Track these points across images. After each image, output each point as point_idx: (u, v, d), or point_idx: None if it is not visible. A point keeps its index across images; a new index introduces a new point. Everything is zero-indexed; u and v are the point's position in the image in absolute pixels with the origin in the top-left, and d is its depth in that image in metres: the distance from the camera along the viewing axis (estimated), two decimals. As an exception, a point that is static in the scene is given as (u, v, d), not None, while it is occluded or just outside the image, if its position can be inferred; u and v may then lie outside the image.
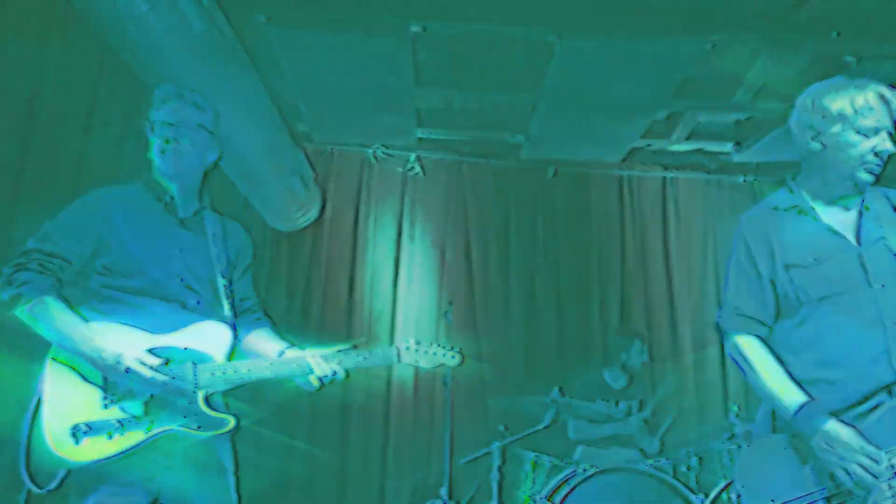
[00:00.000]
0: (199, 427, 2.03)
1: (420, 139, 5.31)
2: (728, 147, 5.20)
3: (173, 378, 2.02)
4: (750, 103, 4.56)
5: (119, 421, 1.95)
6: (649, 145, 5.22)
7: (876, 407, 1.75)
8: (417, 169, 5.48)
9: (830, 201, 1.96)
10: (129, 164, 3.30)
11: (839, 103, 1.87)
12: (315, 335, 5.10)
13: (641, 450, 4.14)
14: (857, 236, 1.89)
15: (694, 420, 4.92)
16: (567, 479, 3.49)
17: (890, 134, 1.87)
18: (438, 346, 2.39)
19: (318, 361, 2.18)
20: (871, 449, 1.69)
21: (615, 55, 3.85)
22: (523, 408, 3.94)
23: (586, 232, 5.47)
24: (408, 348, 2.33)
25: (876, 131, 1.84)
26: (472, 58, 4.40)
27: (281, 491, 4.75)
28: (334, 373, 2.19)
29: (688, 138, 5.13)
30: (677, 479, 3.42)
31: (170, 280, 2.16)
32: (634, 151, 5.34)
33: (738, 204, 5.61)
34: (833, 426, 1.74)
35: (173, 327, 2.11)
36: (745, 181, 5.64)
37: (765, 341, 1.98)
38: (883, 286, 1.82)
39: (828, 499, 1.74)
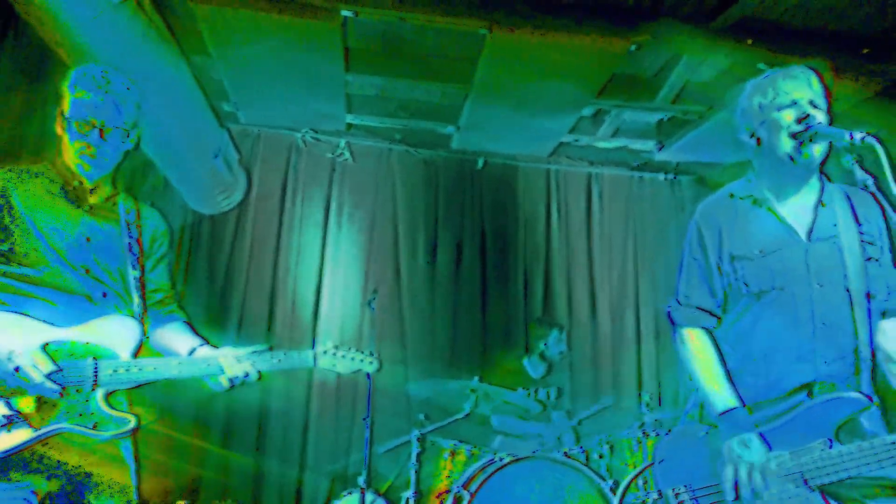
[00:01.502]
0: (94, 426, 1.93)
1: (350, 125, 5.24)
2: (651, 145, 5.37)
3: (68, 378, 1.91)
4: (671, 104, 4.71)
5: (6, 417, 1.84)
6: (577, 140, 5.33)
7: (795, 406, 1.81)
8: (347, 155, 5.41)
9: (787, 193, 1.96)
10: (34, 140, 3.12)
11: (756, 97, 1.96)
12: (236, 321, 4.99)
13: (558, 438, 4.26)
14: (809, 232, 1.91)
15: (609, 410, 5.09)
16: (484, 468, 3.54)
17: (811, 103, 1.87)
18: (357, 350, 2.36)
19: (229, 362, 2.10)
20: (760, 482, 1.73)
21: (544, 51, 3.90)
22: (444, 397, 3.96)
23: (513, 223, 5.54)
24: (325, 352, 2.28)
25: (794, 102, 1.87)
26: (404, 46, 4.37)
27: (191, 490, 4.66)
28: (246, 374, 2.12)
29: (613, 135, 5.27)
30: (589, 467, 3.52)
31: (74, 270, 2.03)
32: (562, 146, 5.45)
33: (659, 201, 5.83)
34: (750, 438, 1.79)
35: (76, 320, 1.99)
36: (665, 179, 5.85)
37: (711, 334, 2.03)
38: (821, 286, 1.85)
39: (736, 490, 1.82)
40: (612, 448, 3.66)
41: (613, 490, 3.40)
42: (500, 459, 3.52)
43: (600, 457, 3.68)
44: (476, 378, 3.76)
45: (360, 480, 3.94)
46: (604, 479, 3.44)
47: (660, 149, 5.36)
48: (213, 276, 5.08)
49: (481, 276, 5.41)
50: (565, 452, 3.57)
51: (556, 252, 5.55)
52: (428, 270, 5.35)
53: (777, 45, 3.94)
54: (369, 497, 3.76)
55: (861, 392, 1.76)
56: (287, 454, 4.89)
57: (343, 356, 2.32)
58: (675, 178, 5.85)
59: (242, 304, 5.03)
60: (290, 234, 5.24)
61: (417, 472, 3.70)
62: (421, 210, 5.45)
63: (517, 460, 3.49)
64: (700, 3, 3.72)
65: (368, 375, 3.95)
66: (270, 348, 2.19)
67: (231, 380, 2.10)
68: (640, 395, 3.90)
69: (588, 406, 4.52)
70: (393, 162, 5.50)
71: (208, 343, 2.24)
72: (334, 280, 5.21)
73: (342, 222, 5.34)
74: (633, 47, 3.90)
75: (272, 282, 5.13)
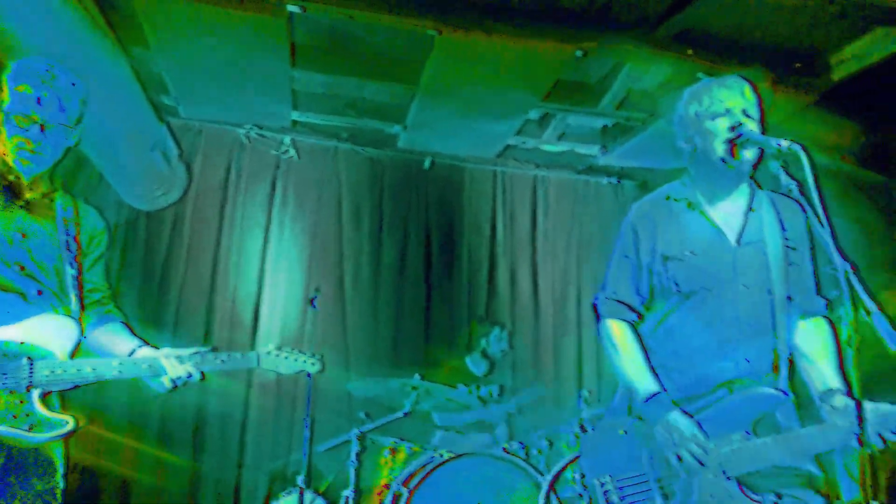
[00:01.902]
0: (30, 428, 1.87)
1: (295, 122, 5.18)
2: (595, 150, 5.48)
3: (3, 376, 1.85)
4: (615, 110, 4.83)
5: None
6: (523, 143, 5.40)
7: (717, 401, 1.88)
8: (292, 152, 5.34)
9: (719, 198, 2.03)
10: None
11: (693, 105, 2.04)
12: (172, 320, 4.86)
13: (496, 435, 4.31)
14: (739, 236, 1.98)
15: (550, 405, 5.18)
16: (424, 465, 3.55)
17: (744, 112, 1.95)
18: (299, 352, 2.38)
19: (171, 363, 2.07)
20: (703, 439, 1.83)
21: (491, 54, 3.94)
22: (385, 394, 3.95)
23: (459, 224, 5.58)
24: (268, 353, 2.29)
25: (727, 111, 1.94)
26: (352, 44, 4.34)
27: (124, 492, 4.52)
28: (189, 375, 2.09)
29: (559, 139, 5.36)
30: (528, 462, 3.58)
31: (7, 268, 1.96)
32: (509, 148, 5.51)
33: (603, 204, 5.95)
34: (675, 416, 1.87)
35: (10, 319, 1.92)
36: (609, 183, 5.98)
37: (634, 328, 2.09)
38: (746, 288, 1.93)
39: (658, 480, 1.89)
40: (550, 443, 3.72)
41: (553, 486, 3.46)
42: (440, 456, 3.53)
43: (539, 452, 3.74)
44: (417, 376, 3.77)
45: (300, 480, 3.90)
46: (542, 474, 3.49)
47: (604, 153, 5.47)
48: (148, 275, 4.94)
49: (425, 276, 5.42)
50: (504, 448, 3.61)
51: (500, 253, 5.61)
52: (372, 269, 5.32)
53: (717, 56, 4.09)
54: (308, 496, 3.72)
55: (778, 388, 1.85)
56: (225, 454, 4.80)
57: (286, 357, 2.34)
58: (618, 182, 5.98)
59: (179, 303, 4.90)
60: (231, 232, 5.13)
61: (357, 471, 3.68)
62: (366, 209, 5.42)
63: (456, 457, 3.51)
64: (644, 13, 3.82)
65: (309, 374, 3.92)
66: (213, 349, 2.17)
67: (174, 381, 2.07)
68: (579, 391, 3.97)
69: (527, 399, 4.60)
70: (339, 160, 5.45)
71: (148, 344, 2.20)
72: (276, 279, 5.13)
73: (285, 221, 5.26)
74: (578, 53, 3.97)
75: (211, 281, 5.01)
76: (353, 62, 4.38)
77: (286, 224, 5.28)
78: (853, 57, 4.05)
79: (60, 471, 1.97)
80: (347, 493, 3.68)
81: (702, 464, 1.81)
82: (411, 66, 4.33)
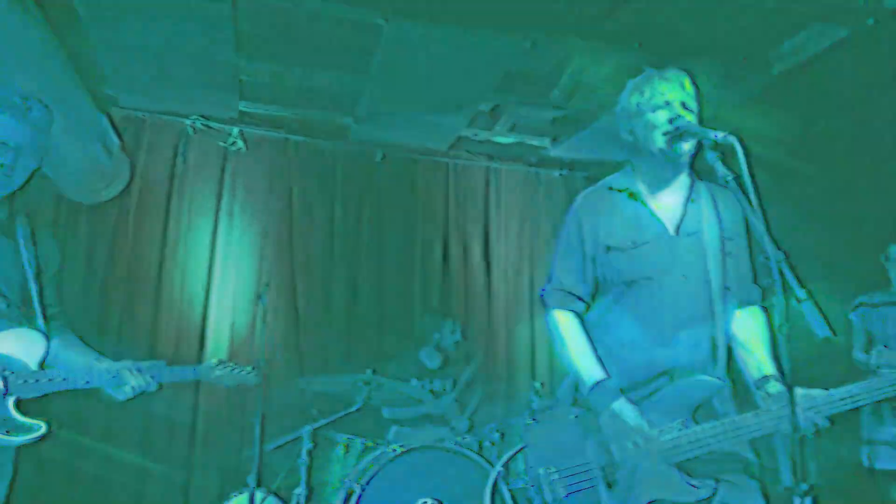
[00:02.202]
0: (8, 432, 2.05)
1: (243, 113, 5.06)
2: (546, 142, 5.52)
3: None
4: (565, 102, 4.86)
5: None
6: (475, 135, 5.40)
7: (658, 389, 1.91)
8: (240, 144, 5.22)
9: (659, 188, 2.06)
10: None
11: (634, 96, 2.06)
12: (117, 318, 4.71)
13: (453, 428, 4.31)
14: (678, 226, 2.02)
15: (503, 398, 5.21)
16: (376, 460, 3.53)
17: (683, 104, 1.98)
18: (239, 366, 2.67)
19: (132, 373, 2.27)
20: (645, 428, 1.86)
21: (441, 44, 3.91)
22: (337, 390, 3.91)
23: (411, 216, 5.55)
24: (212, 367, 2.59)
25: (667, 103, 1.97)
26: (299, 32, 4.24)
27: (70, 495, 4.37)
28: (147, 384, 2.31)
29: (510, 131, 5.37)
30: (481, 455, 3.59)
31: None
32: (461, 140, 5.50)
33: (554, 196, 6.00)
34: (620, 405, 1.89)
35: None
36: (560, 175, 6.03)
37: (581, 317, 2.11)
38: (685, 278, 1.96)
39: (602, 468, 1.91)
40: (502, 435, 3.74)
41: (504, 477, 3.48)
42: (393, 451, 3.51)
43: (492, 444, 3.75)
44: (369, 371, 3.74)
45: (250, 479, 3.84)
46: (494, 466, 3.50)
47: (554, 145, 5.52)
48: (91, 271, 4.77)
49: (378, 269, 5.38)
50: (457, 441, 3.61)
51: (453, 245, 5.60)
52: (324, 263, 5.25)
53: (664, 49, 4.15)
54: (259, 495, 3.66)
55: (715, 376, 1.89)
56: (173, 454, 4.68)
57: (231, 371, 2.64)
58: (569, 174, 6.03)
59: (124, 300, 4.75)
60: (178, 226, 4.99)
61: (308, 468, 3.64)
62: (318, 202, 5.35)
63: (408, 451, 3.50)
64: (593, 6, 3.85)
65: (259, 365, 3.86)
66: (168, 363, 2.41)
67: (134, 388, 2.28)
68: (532, 382, 4.00)
69: (483, 397, 4.61)
70: (289, 152, 5.35)
71: (103, 356, 2.38)
72: (225, 274, 5.02)
73: (234, 214, 5.14)
74: (527, 44, 3.98)
75: (157, 277, 4.87)
76: (301, 51, 4.29)
77: (235, 217, 5.16)
78: (791, 52, 4.17)
79: (9, 476, 2.16)
80: (299, 491, 3.64)
81: (643, 453, 1.83)
82: (360, 56, 4.27)
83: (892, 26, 3.73)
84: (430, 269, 5.52)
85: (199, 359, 4.84)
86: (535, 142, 5.53)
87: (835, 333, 1.43)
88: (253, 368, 2.67)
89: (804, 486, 1.40)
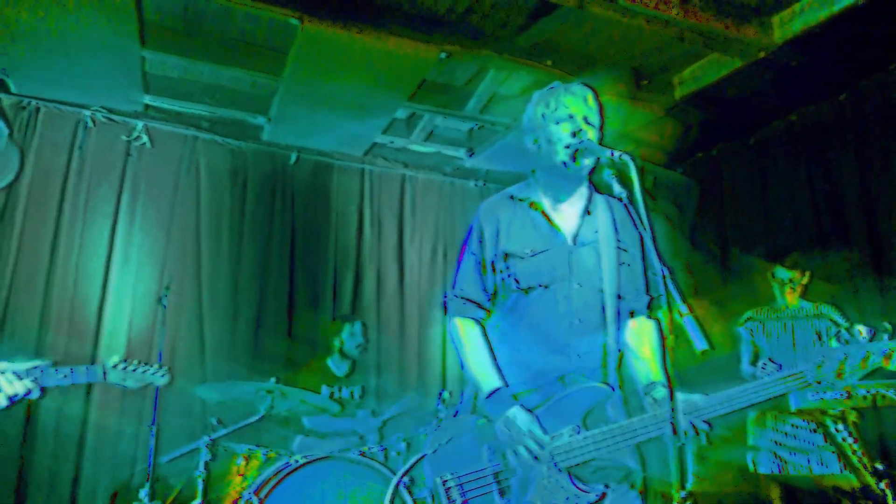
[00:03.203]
0: None
1: (148, 107, 4.83)
2: (462, 152, 5.58)
3: None
4: (480, 114, 4.93)
5: None
6: (391, 142, 5.39)
7: (551, 396, 1.95)
8: (144, 139, 4.98)
9: (559, 199, 2.11)
10: None
11: (540, 107, 2.11)
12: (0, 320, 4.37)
13: (361, 437, 4.25)
14: (575, 236, 2.06)
15: (414, 407, 5.19)
16: (277, 472, 3.42)
17: (585, 119, 2.04)
18: (146, 364, 2.39)
19: (8, 379, 2.00)
20: (539, 435, 1.89)
21: (356, 49, 3.89)
22: (239, 399, 3.78)
23: (325, 221, 5.45)
24: (115, 366, 2.31)
25: (570, 118, 2.03)
26: (210, 27, 4.12)
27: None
28: (28, 391, 2.04)
29: (427, 139, 5.40)
30: (386, 465, 3.55)
31: None
32: (378, 147, 5.47)
33: (469, 206, 6.05)
34: (515, 412, 1.92)
35: None
36: (475, 185, 6.10)
37: (482, 325, 2.12)
38: (580, 286, 2.02)
39: (496, 474, 1.93)
40: (409, 445, 3.71)
41: (409, 487, 3.45)
42: (295, 462, 3.42)
43: (398, 454, 3.72)
44: (273, 379, 3.63)
45: (143, 493, 3.65)
46: (395, 476, 3.47)
47: (470, 156, 5.58)
48: (-29, 268, 4.40)
49: (290, 274, 5.25)
50: (362, 452, 3.55)
51: (367, 252, 5.55)
52: (232, 267, 5.08)
53: (573, 67, 4.29)
54: (153, 510, 3.49)
55: (606, 383, 1.95)
56: (58, 469, 4.36)
57: (133, 370, 2.36)
58: (484, 185, 6.10)
59: (8, 301, 4.39)
60: (73, 224, 4.68)
61: (206, 481, 3.48)
62: (227, 203, 5.16)
63: (311, 462, 3.41)
64: (504, 22, 3.93)
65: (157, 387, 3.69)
66: (55, 363, 2.12)
67: (10, 398, 2.00)
68: (440, 391, 4.00)
69: (392, 403, 4.56)
70: (198, 150, 5.14)
71: None
72: (124, 276, 4.75)
73: (136, 212, 4.89)
74: (443, 55, 4.02)
75: (48, 277, 4.54)
76: (212, 46, 4.16)
77: (137, 216, 4.90)
78: (692, 78, 4.41)
79: None
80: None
81: (536, 458, 1.87)
82: (274, 56, 4.19)
83: (781, 59, 4.02)
84: (343, 276, 5.44)
85: (93, 363, 4.56)
86: (451, 152, 5.58)
87: (713, 347, 1.50)
88: (160, 367, 2.40)
89: (682, 494, 1.46)
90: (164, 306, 4.05)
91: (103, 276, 4.70)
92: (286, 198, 5.37)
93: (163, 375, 2.42)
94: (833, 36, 3.75)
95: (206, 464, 3.50)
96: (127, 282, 4.75)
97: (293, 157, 5.39)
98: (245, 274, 5.11)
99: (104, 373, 2.26)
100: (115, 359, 2.33)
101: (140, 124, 4.95)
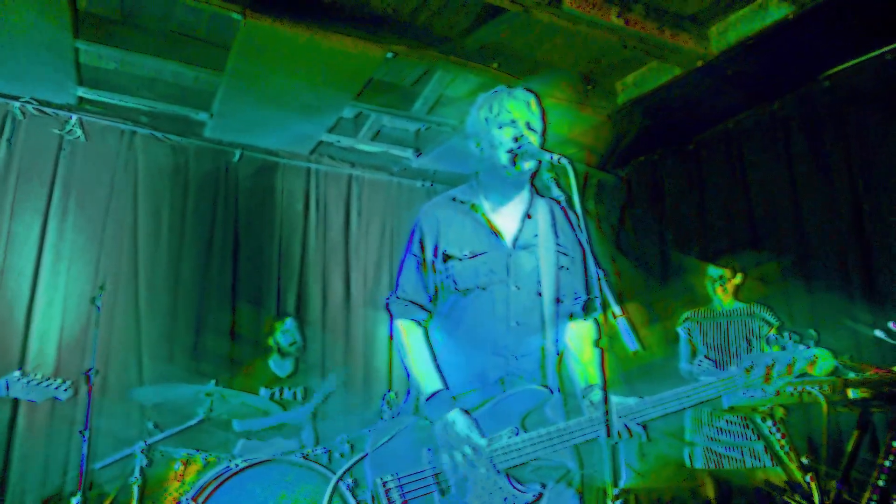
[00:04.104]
0: None
1: (83, 99, 4.65)
2: (409, 153, 5.57)
3: None
4: (427, 114, 4.93)
5: None
6: (338, 141, 5.34)
7: (490, 398, 1.96)
8: (79, 133, 4.79)
9: (500, 202, 2.11)
10: None
11: (483, 111, 2.12)
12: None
13: (302, 440, 4.20)
14: (514, 239, 2.06)
15: (360, 408, 5.16)
16: (218, 476, 3.34)
17: (527, 124, 2.05)
18: (50, 379, 2.37)
19: None
20: (476, 438, 1.90)
21: (300, 46, 3.83)
22: (177, 402, 3.68)
23: (269, 220, 5.36)
24: (18, 380, 2.26)
25: (513, 122, 2.04)
26: (149, 19, 4.00)
27: None
28: None
29: (374, 139, 5.36)
30: (328, 467, 3.51)
31: None
32: (324, 146, 5.41)
33: (416, 207, 6.04)
34: (454, 415, 1.92)
35: None
36: (423, 186, 6.10)
37: (424, 327, 2.12)
38: (518, 288, 2.03)
39: (436, 476, 1.93)
40: (352, 447, 3.68)
41: (352, 490, 3.43)
42: (236, 466, 3.35)
43: (342, 455, 3.68)
44: (212, 381, 3.54)
45: (75, 501, 3.51)
46: (342, 479, 3.44)
47: (417, 156, 5.58)
48: None
49: (233, 273, 5.14)
50: (304, 455, 3.51)
51: (312, 251, 5.48)
52: (172, 266, 4.94)
53: (520, 70, 4.34)
54: (85, 518, 3.37)
55: (545, 385, 1.98)
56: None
57: (38, 384, 2.35)
58: (431, 185, 6.12)
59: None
60: (0, 219, 4.47)
61: (141, 487, 3.37)
62: (167, 200, 5.02)
63: (253, 465, 3.35)
64: (451, 24, 3.95)
65: (90, 379, 3.55)
66: None
67: None
68: (385, 392, 3.98)
69: (337, 405, 4.52)
70: (136, 146, 4.99)
71: None
72: (55, 274, 4.56)
73: (69, 209, 4.70)
74: (389, 55, 4.00)
75: (-29, 274, 4.34)
76: (150, 39, 4.04)
77: (70, 213, 4.72)
78: (634, 84, 4.52)
79: None
80: (130, 510, 3.37)
81: (472, 464, 1.87)
82: (216, 51, 4.09)
83: (719, 68, 4.15)
84: (288, 276, 5.35)
85: (21, 366, 4.36)
86: (398, 152, 5.56)
87: (644, 348, 1.54)
88: (63, 382, 2.31)
89: (616, 491, 1.50)
90: (98, 307, 3.90)
91: (33, 275, 4.51)
92: (229, 196, 5.26)
93: (66, 390, 2.41)
94: (766, 47, 3.91)
95: (142, 469, 3.40)
96: (59, 281, 4.56)
97: (237, 155, 5.28)
98: (186, 274, 4.97)
99: (7, 386, 2.22)
100: (17, 373, 2.30)
101: (74, 117, 4.77)
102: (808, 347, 1.83)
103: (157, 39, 4.05)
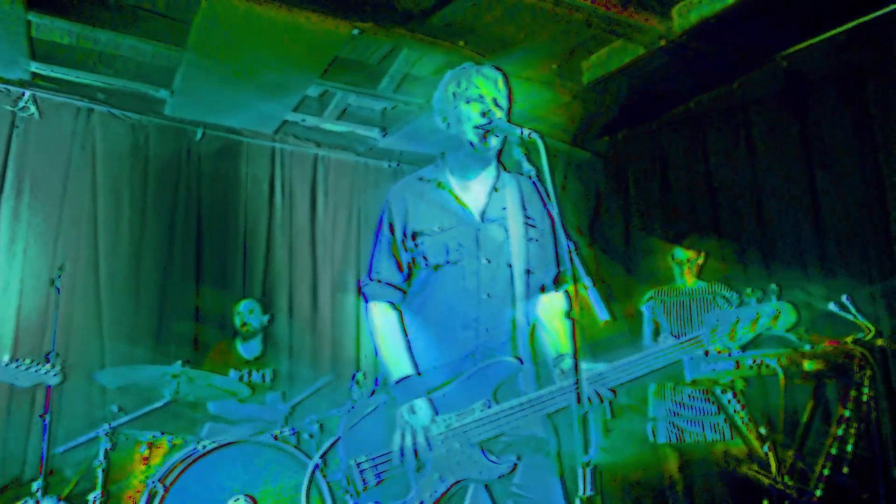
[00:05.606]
0: None
1: (36, 75, 4.49)
2: (376, 132, 5.52)
3: None
4: (393, 93, 4.89)
5: None
6: (303, 121, 5.25)
7: (462, 372, 1.98)
8: (33, 110, 4.63)
9: (467, 177, 2.14)
10: None
11: (451, 86, 2.12)
12: None
13: (269, 421, 4.17)
14: (482, 213, 2.09)
15: (328, 389, 5.14)
16: (185, 458, 3.31)
17: (495, 101, 2.07)
18: (37, 363, 2.34)
19: None
20: (432, 434, 1.91)
21: (264, 23, 3.75)
22: (142, 384, 3.62)
23: (233, 200, 5.27)
24: (6, 365, 2.26)
25: (480, 98, 2.05)
26: (105, -8, 3.87)
27: None
28: None
29: (339, 118, 5.29)
30: (299, 448, 3.50)
31: None
32: (289, 125, 5.33)
33: (383, 187, 6.01)
34: (418, 404, 1.94)
35: None
36: (389, 167, 6.06)
37: (397, 309, 2.13)
38: (488, 261, 2.05)
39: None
40: (322, 427, 3.68)
41: (322, 469, 3.43)
42: (203, 448, 3.32)
43: (311, 437, 3.68)
44: (178, 363, 3.49)
45: (36, 486, 3.44)
46: (312, 459, 3.44)
47: (384, 136, 5.53)
48: None
49: (196, 254, 5.05)
50: (275, 435, 3.50)
51: (278, 232, 5.42)
52: (133, 246, 4.83)
53: (486, 49, 4.33)
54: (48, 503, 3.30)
55: (516, 357, 2.01)
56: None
57: (26, 369, 2.37)
58: (398, 166, 6.07)
59: None
60: (-50, 200, 4.33)
61: (105, 471, 3.32)
62: (126, 179, 4.89)
63: (220, 447, 3.33)
64: (419, 1, 3.90)
65: (50, 362, 3.47)
66: None
67: None
68: (355, 374, 3.98)
69: (305, 387, 4.49)
70: (93, 124, 4.84)
71: None
72: (11, 256, 4.42)
73: (24, 189, 4.55)
74: (355, 31, 3.95)
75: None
76: (106, 12, 3.90)
77: (25, 193, 4.57)
78: (598, 63, 4.55)
79: None
80: (94, 495, 3.32)
81: (419, 460, 1.90)
82: (177, 26, 3.98)
83: (681, 47, 4.21)
84: (254, 256, 5.29)
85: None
86: (364, 131, 5.50)
87: (615, 318, 1.57)
88: (53, 366, 2.23)
89: (585, 458, 1.54)
90: (58, 289, 3.81)
91: (-13, 257, 4.37)
92: (191, 176, 5.15)
93: (55, 375, 2.37)
94: (727, 27, 3.97)
95: (106, 452, 3.35)
96: (14, 263, 4.43)
97: (199, 134, 5.17)
98: (148, 254, 4.88)
99: None
100: (4, 358, 2.25)
101: (27, 93, 4.60)
102: (771, 301, 1.88)
103: (114, 13, 3.92)
